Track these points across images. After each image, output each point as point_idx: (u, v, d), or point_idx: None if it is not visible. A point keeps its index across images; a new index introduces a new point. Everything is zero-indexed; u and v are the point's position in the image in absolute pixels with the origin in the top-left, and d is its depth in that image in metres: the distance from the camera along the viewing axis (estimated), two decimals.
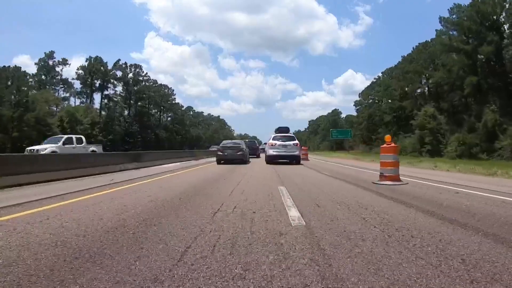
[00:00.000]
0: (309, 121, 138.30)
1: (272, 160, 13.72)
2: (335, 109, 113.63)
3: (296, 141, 13.88)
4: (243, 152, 15.12)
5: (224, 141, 17.91)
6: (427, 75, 40.24)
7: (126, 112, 60.11)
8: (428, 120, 33.03)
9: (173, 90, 74.23)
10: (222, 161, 14.78)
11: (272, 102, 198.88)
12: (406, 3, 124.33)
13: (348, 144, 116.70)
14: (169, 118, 79.45)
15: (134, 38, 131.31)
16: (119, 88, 57.30)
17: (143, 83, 60.38)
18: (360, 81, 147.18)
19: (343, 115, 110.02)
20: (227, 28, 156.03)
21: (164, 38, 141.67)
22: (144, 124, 59.77)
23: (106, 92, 53.50)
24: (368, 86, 66.02)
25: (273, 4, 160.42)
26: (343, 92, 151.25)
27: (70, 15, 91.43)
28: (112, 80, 51.81)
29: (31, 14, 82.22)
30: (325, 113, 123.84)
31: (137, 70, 58.97)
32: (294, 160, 13.62)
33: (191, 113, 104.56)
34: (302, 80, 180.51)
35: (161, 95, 70.19)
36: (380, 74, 62.71)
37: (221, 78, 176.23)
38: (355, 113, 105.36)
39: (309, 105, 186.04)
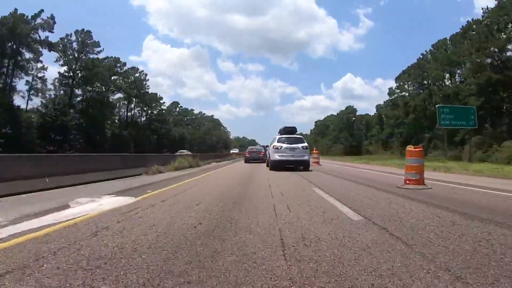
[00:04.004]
0: (315, 122, 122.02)
1: (277, 165, 11.53)
2: (349, 106, 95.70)
3: (305, 144, 11.97)
4: (263, 154, 19.21)
5: (250, 147, 25.12)
6: None
7: (79, 99, 41.88)
8: None
9: (146, 75, 56.01)
10: (248, 161, 19.47)
11: (271, 106, 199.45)
12: (407, 6, 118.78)
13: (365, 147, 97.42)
14: (144, 113, 61.32)
15: (132, 41, 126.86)
16: (56, 66, 39.13)
17: (95, 56, 41.96)
18: (359, 84, 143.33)
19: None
20: (226, 30, 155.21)
21: (162, 41, 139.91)
22: (96, 117, 41.51)
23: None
24: (410, 66, 47.88)
25: (273, 7, 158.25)
26: (342, 96, 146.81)
27: (69, 17, 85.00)
28: (34, 45, 33.36)
29: None
30: (322, 117, 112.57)
31: (85, 38, 40.71)
32: (302, 165, 11.63)
33: (178, 109, 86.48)
34: (301, 83, 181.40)
35: (127, 81, 52.07)
36: (430, 48, 44.68)
37: (220, 81, 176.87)
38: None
39: (308, 109, 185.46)
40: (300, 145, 11.69)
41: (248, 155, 20.40)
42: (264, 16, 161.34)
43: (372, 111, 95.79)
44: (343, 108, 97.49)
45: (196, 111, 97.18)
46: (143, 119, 60.92)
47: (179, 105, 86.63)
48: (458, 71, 40.28)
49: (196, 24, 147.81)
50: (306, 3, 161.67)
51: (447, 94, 35.82)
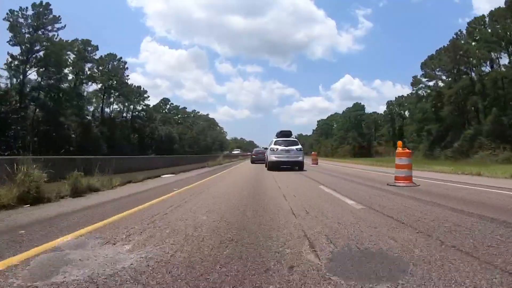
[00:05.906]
0: (317, 121, 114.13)
1: (274, 166, 12.47)
2: (357, 103, 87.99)
3: (300, 146, 13.08)
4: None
5: (255, 149, 26.06)
6: None
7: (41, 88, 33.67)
8: None
9: (125, 63, 47.92)
10: (254, 162, 21.37)
11: (270, 108, 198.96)
12: (406, 7, 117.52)
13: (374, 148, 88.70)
14: (125, 109, 53.22)
15: (130, 43, 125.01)
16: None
17: (55, 33, 33.81)
18: (358, 86, 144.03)
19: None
20: (225, 32, 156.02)
21: (160, 43, 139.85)
22: (56, 110, 33.38)
23: None
24: (439, 49, 40.13)
25: (272, 8, 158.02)
26: (340, 98, 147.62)
27: (66, 19, 75.79)
28: None
29: None
30: (321, 119, 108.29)
31: (44, 11, 32.66)
32: (297, 166, 12.55)
33: (168, 106, 78.32)
34: (299, 85, 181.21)
35: (104, 70, 43.96)
36: (466, 28, 36.92)
37: (218, 83, 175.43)
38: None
39: (306, 110, 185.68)
40: (294, 147, 12.78)
41: (254, 156, 22.59)
42: (262, 17, 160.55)
43: (370, 112, 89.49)
44: (342, 109, 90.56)
45: (189, 110, 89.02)
46: (125, 115, 52.98)
47: (169, 102, 78.48)
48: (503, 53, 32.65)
49: (194, 26, 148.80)
50: (305, 5, 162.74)
51: (500, 77, 28.00)
